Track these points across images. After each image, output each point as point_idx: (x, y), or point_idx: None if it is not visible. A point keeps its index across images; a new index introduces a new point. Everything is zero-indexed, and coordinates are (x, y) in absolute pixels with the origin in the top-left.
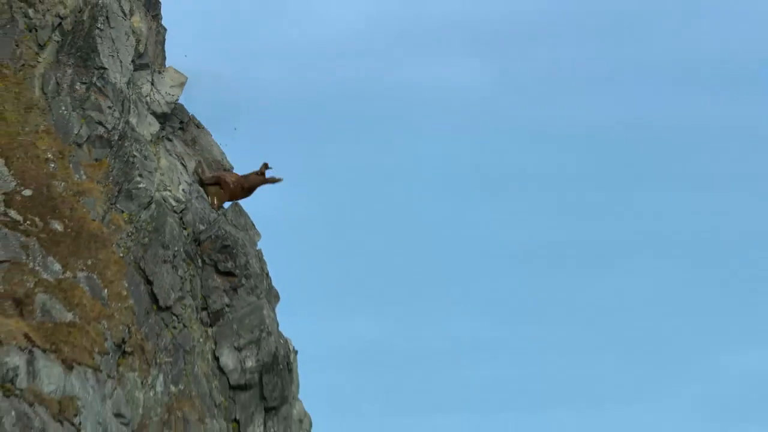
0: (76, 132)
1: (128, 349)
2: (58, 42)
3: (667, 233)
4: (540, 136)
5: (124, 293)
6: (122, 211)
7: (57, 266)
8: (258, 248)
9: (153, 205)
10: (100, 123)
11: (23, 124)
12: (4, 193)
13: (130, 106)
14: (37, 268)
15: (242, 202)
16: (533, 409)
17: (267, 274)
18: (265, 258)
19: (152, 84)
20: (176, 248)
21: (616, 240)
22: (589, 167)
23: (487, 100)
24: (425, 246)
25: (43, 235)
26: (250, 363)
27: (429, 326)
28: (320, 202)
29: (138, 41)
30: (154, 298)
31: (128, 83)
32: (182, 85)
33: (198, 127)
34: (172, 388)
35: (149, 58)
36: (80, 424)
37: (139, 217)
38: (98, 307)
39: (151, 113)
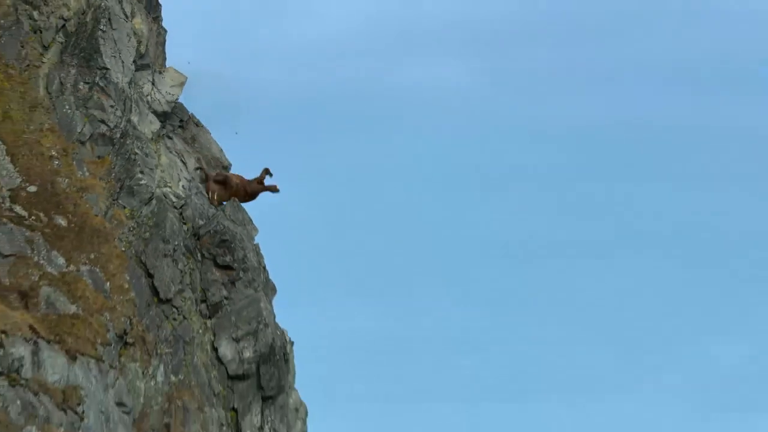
0: (79, 130)
1: (130, 340)
2: (62, 43)
3: (666, 233)
4: (539, 135)
5: (126, 286)
6: (124, 207)
7: (61, 260)
8: (255, 243)
9: (154, 201)
10: (102, 121)
11: (28, 122)
12: (9, 189)
13: (131, 105)
14: (41, 261)
15: None
16: (526, 399)
17: (264, 268)
18: (262, 252)
19: (153, 84)
20: (176, 242)
21: (614, 239)
22: (588, 166)
23: (486, 99)
24: (423, 242)
25: (47, 230)
26: (247, 353)
27: (425, 318)
28: (319, 200)
29: (139, 42)
30: (155, 291)
31: (130, 83)
32: (182, 84)
33: (197, 125)
34: (173, 378)
35: (150, 58)
36: (83, 412)
37: (141, 212)
38: (101, 300)
39: (152, 112)
